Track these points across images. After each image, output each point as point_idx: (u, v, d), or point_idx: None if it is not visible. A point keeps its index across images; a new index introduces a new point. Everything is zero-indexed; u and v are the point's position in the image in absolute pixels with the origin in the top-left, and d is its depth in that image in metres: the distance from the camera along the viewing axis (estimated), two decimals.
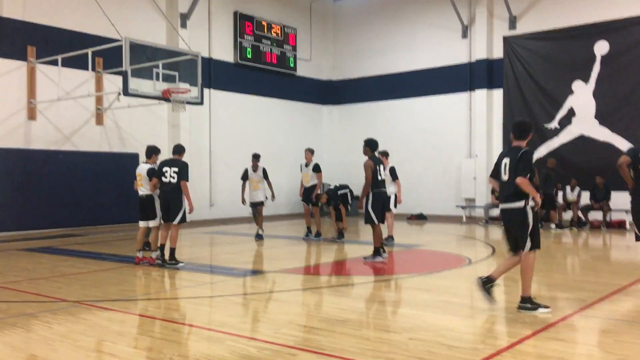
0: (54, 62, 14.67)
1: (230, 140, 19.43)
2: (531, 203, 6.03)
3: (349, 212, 13.15)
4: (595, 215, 15.80)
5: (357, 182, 12.75)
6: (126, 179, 15.89)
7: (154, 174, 9.41)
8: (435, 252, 11.47)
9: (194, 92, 14.50)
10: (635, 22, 16.54)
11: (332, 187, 13.23)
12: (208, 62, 18.55)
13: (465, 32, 19.74)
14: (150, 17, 17.36)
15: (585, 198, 15.94)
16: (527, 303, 6.05)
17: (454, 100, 20.04)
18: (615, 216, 15.70)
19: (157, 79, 14.16)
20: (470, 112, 19.68)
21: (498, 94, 19.16)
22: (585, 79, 17.38)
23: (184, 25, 17.83)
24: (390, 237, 11.98)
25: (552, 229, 15.02)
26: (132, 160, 16.27)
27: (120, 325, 5.85)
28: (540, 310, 5.99)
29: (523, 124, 6.37)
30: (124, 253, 10.91)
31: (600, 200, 15.54)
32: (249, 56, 20.06)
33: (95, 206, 15.83)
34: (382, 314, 6.46)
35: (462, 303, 6.82)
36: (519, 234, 6.10)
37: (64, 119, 15.52)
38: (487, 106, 19.24)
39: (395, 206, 12.10)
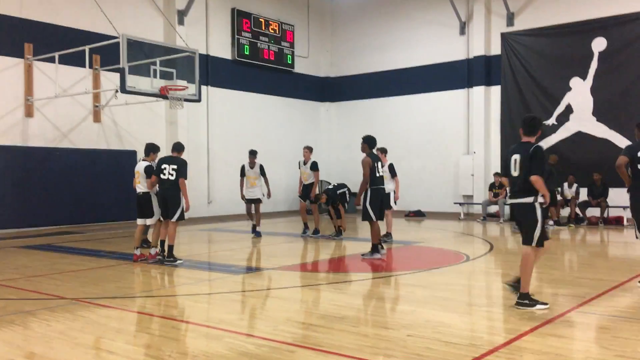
0: (51, 59, 14.63)
1: (228, 138, 19.41)
2: (540, 200, 6.03)
3: (346, 210, 13.17)
4: (593, 212, 15.82)
5: (355, 179, 12.76)
6: (124, 177, 15.92)
7: (152, 171, 9.41)
8: (433, 248, 11.48)
9: (192, 89, 14.47)
10: (632, 18, 16.56)
11: (330, 186, 13.23)
12: (205, 59, 18.51)
13: (463, 29, 19.73)
14: (147, 13, 17.33)
15: (583, 194, 15.97)
16: (525, 299, 6.05)
17: (452, 97, 20.05)
18: (612, 213, 15.72)
19: (155, 76, 14.12)
20: (468, 108, 19.68)
21: (496, 91, 19.17)
22: (583, 76, 17.39)
23: (181, 22, 17.80)
24: (389, 234, 11.99)
25: (550, 225, 15.04)
26: (129, 157, 16.28)
27: (119, 323, 5.84)
28: (538, 306, 5.99)
29: (532, 120, 6.36)
30: (122, 250, 10.91)
31: (598, 196, 15.57)
32: (247, 53, 20.03)
33: (93, 204, 15.82)
34: (380, 310, 6.47)
35: (460, 300, 6.83)
36: (526, 229, 6.11)
37: (61, 116, 15.49)
38: (484, 103, 19.25)
39: (395, 203, 12.12)
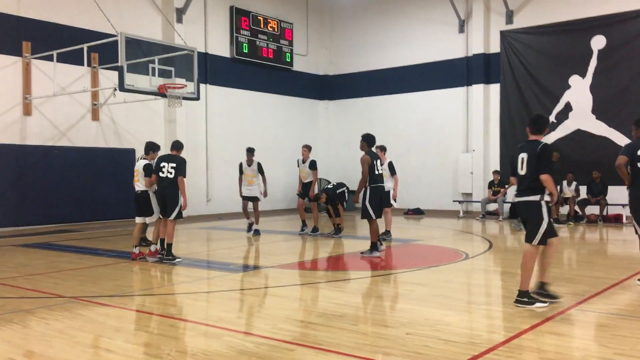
0: (49, 58, 14.61)
1: (226, 136, 19.39)
2: (547, 198, 6.02)
3: (345, 208, 13.16)
4: (592, 210, 15.83)
5: (354, 177, 12.74)
6: (122, 175, 15.91)
7: (151, 170, 9.40)
8: (432, 246, 11.48)
9: (190, 87, 14.46)
10: (632, 16, 16.55)
11: (330, 186, 13.22)
12: (204, 57, 18.49)
13: (462, 27, 19.72)
14: (145, 12, 17.30)
15: (582, 192, 15.96)
16: (525, 297, 6.05)
17: (451, 95, 20.03)
18: (612, 210, 15.72)
19: (153, 74, 14.10)
20: (467, 106, 19.68)
21: (495, 89, 19.16)
22: (582, 74, 17.39)
23: (179, 20, 17.77)
24: (388, 232, 11.99)
25: None
26: (128, 155, 16.26)
27: (117, 321, 5.84)
28: (537, 304, 5.99)
29: (540, 118, 6.36)
30: (120, 249, 10.89)
31: (597, 194, 15.56)
32: (246, 51, 20.01)
33: (91, 202, 15.81)
34: (379, 308, 6.46)
35: (459, 298, 6.82)
36: (531, 227, 6.10)
37: (59, 114, 15.47)
38: (484, 101, 19.25)
39: (395, 201, 12.11)
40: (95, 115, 16.22)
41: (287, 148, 20.71)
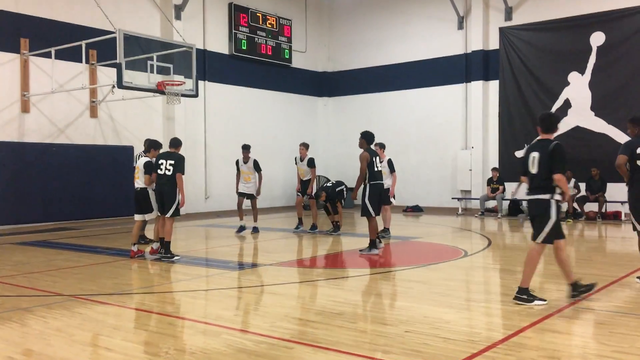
0: (48, 55, 14.56)
1: (225, 133, 19.37)
2: (558, 197, 6.01)
3: (343, 206, 13.16)
4: (591, 207, 15.83)
5: (352, 174, 12.74)
6: (121, 172, 15.90)
7: (151, 168, 9.38)
8: (431, 244, 11.47)
9: (189, 84, 14.43)
10: (631, 13, 16.53)
11: (329, 184, 13.21)
12: (203, 54, 18.46)
13: (461, 23, 19.69)
14: (144, 8, 17.26)
15: (581, 189, 15.96)
16: (524, 294, 6.05)
17: (450, 92, 20.02)
18: (610, 208, 15.73)
19: (152, 71, 14.08)
20: (466, 103, 19.66)
21: (494, 86, 19.15)
22: (581, 70, 17.38)
23: (178, 17, 17.72)
24: (387, 230, 11.99)
25: None
26: (126, 153, 16.24)
27: (116, 319, 5.83)
28: (536, 302, 5.99)
29: (550, 117, 6.39)
30: (119, 247, 10.88)
31: (596, 191, 15.57)
32: (244, 48, 19.97)
33: (90, 199, 15.79)
34: (378, 306, 6.46)
35: (458, 295, 6.82)
36: (538, 225, 6.09)
37: (57, 111, 15.43)
38: (483, 97, 19.23)
39: (394, 198, 12.11)
40: (93, 113, 16.18)
41: (285, 145, 20.69)
